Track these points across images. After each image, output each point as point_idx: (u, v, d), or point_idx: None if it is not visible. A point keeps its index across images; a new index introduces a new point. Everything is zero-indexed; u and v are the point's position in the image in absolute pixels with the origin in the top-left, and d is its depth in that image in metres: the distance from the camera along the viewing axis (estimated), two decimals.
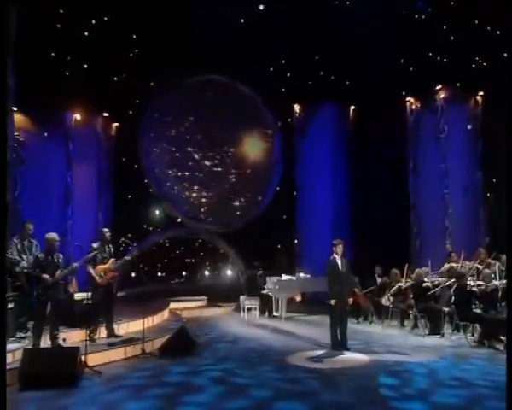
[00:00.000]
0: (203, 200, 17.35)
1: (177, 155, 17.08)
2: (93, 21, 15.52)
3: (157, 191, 16.50)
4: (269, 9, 16.75)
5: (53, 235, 8.13)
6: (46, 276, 7.84)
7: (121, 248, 9.98)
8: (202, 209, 17.28)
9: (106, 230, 9.32)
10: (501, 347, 8.91)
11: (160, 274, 19.55)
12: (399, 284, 11.72)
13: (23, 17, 12.21)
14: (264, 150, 18.28)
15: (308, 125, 17.92)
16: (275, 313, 13.81)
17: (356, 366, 7.80)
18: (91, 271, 8.85)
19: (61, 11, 14.36)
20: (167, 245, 19.93)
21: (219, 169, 17.56)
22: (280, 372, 7.37)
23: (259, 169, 18.09)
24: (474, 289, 9.63)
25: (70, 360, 6.65)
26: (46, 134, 13.73)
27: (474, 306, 9.84)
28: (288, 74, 17.94)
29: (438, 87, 14.77)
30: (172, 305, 14.47)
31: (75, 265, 8.27)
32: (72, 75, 14.66)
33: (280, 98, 17.78)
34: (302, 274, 14.07)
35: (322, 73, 17.53)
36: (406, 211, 15.66)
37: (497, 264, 10.85)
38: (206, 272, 19.92)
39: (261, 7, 16.83)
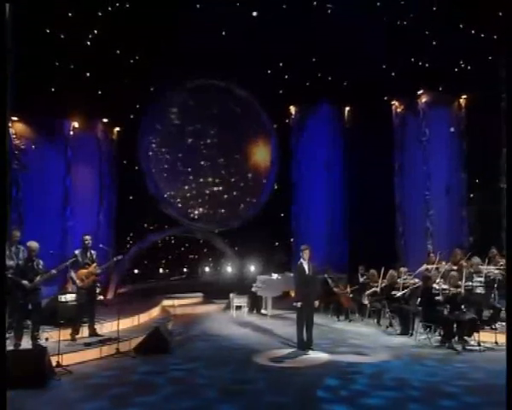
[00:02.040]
0: (201, 200, 17.79)
1: (175, 156, 17.53)
2: (95, 31, 16.13)
3: (156, 192, 16.96)
4: (265, 14, 17.18)
5: (33, 243, 8.67)
6: (25, 282, 8.38)
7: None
8: (200, 209, 17.71)
9: (87, 237, 9.80)
10: (460, 347, 9.17)
11: (161, 271, 20.12)
12: (374, 288, 12.07)
13: (23, 25, 12.82)
14: (261, 151, 18.64)
15: (304, 126, 18.14)
16: (263, 311, 14.19)
17: (312, 366, 8.17)
18: (73, 275, 9.39)
19: (61, 19, 14.89)
20: (172, 242, 20.51)
21: (217, 170, 17.98)
22: (238, 372, 7.79)
23: (257, 169, 18.46)
24: (436, 291, 9.85)
25: (38, 361, 7.12)
26: (33, 147, 14.18)
27: (442, 307, 10.05)
28: (286, 77, 18.31)
29: (420, 91, 14.88)
30: (167, 302, 14.94)
31: (53, 271, 8.78)
32: (72, 83, 15.12)
33: (277, 100, 18.13)
34: (288, 273, 14.40)
35: (318, 75, 17.80)
36: (393, 211, 15.87)
37: (469, 265, 11.11)
38: (207, 269, 20.39)
39: (254, 13, 17.29)
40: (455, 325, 9.48)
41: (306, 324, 9.39)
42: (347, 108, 17.88)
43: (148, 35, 15.87)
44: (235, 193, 17.96)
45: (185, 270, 20.66)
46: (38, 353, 7.42)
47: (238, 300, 14.21)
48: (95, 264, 9.63)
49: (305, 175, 17.82)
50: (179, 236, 18.63)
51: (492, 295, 10.38)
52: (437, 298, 9.77)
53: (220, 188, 17.85)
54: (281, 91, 18.45)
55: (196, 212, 17.52)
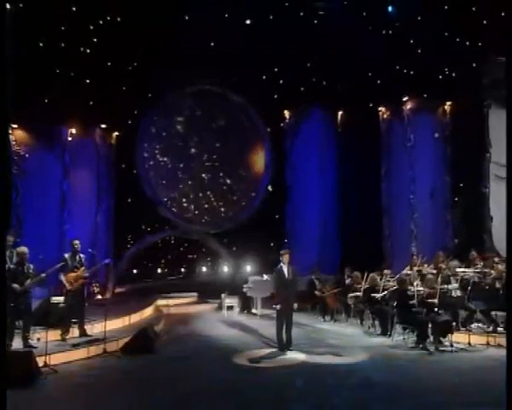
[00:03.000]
0: (197, 203, 18.09)
1: (171, 160, 17.86)
2: (94, 39, 16.41)
3: (153, 196, 17.26)
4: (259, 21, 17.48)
5: (23, 248, 9.01)
6: (16, 285, 8.69)
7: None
8: (196, 212, 18.01)
9: (76, 241, 10.11)
10: (432, 348, 9.35)
11: (160, 270, 20.42)
12: (357, 289, 12.26)
13: (22, 34, 13.15)
14: (256, 154, 18.88)
15: (298, 130, 18.34)
16: (253, 311, 14.44)
17: (286, 366, 8.41)
18: (62, 278, 9.70)
19: (60, 27, 15.17)
20: (172, 242, 20.80)
21: (213, 174, 18.27)
22: (214, 373, 8.00)
23: (252, 173, 18.71)
24: (411, 293, 10.05)
25: (25, 362, 7.41)
26: (28, 155, 14.52)
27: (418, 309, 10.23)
28: (281, 81, 18.52)
29: (405, 98, 15.08)
30: (161, 301, 15.21)
31: (43, 275, 9.08)
32: (71, 90, 15.36)
33: (272, 104, 18.36)
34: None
35: (313, 80, 18.01)
36: (382, 214, 16.11)
37: (447, 268, 11.32)
38: (204, 269, 20.66)
39: (248, 21, 17.54)
40: (429, 327, 9.69)
41: (286, 325, 9.62)
42: (340, 113, 18.04)
43: (145, 40, 16.12)
44: (229, 196, 18.22)
45: (183, 270, 20.97)
46: (25, 353, 7.72)
47: (229, 300, 14.52)
48: (83, 267, 9.92)
49: (299, 178, 18.03)
50: (178, 236, 18.91)
51: (466, 297, 10.54)
52: (411, 301, 9.97)
53: (216, 191, 18.12)
54: (276, 96, 18.69)
55: (191, 215, 17.79)
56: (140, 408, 6.47)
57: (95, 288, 15.43)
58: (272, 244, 19.74)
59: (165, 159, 17.75)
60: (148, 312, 13.52)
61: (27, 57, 13.85)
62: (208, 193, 18.09)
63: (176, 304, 15.60)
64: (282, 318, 9.63)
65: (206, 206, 18.09)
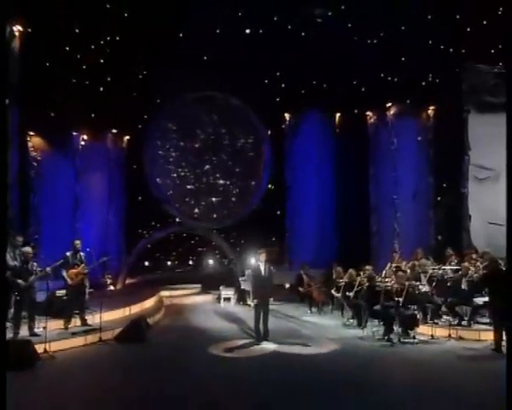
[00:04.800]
0: (200, 201, 18.84)
1: (177, 161, 18.63)
2: (107, 50, 17.22)
3: (159, 195, 18.07)
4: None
5: (27, 249, 9.88)
6: (20, 281, 9.56)
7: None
8: (200, 209, 18.77)
9: (77, 241, 10.97)
10: (396, 339, 9.89)
11: (169, 263, 21.29)
12: (339, 284, 12.80)
13: (38, 47, 14.04)
14: (257, 154, 19.48)
15: (298, 132, 18.89)
16: (248, 302, 15.13)
17: (257, 356, 9.03)
18: (64, 274, 10.57)
19: (74, 40, 16.01)
20: (184, 235, 21.60)
21: (215, 174, 18.98)
22: (188, 362, 8.64)
23: (253, 172, 19.34)
24: (380, 289, 10.59)
25: (25, 349, 8.28)
26: (41, 161, 15.45)
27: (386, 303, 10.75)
28: (283, 85, 19.08)
29: (388, 104, 15.50)
30: (165, 292, 15.98)
31: (48, 269, 9.94)
32: (85, 98, 16.16)
33: (273, 107, 18.93)
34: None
35: (313, 83, 18.52)
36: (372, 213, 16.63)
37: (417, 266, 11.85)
38: (211, 261, 21.42)
39: (248, 31, 18.14)
40: (396, 320, 10.22)
41: (262, 318, 10.27)
42: (337, 116, 18.47)
43: (153, 48, 16.84)
44: (231, 195, 18.92)
45: (191, 262, 21.80)
46: (25, 342, 8.60)
47: (226, 292, 15.25)
48: (83, 264, 10.77)
49: (298, 178, 18.60)
50: (185, 232, 19.71)
51: (434, 292, 11.03)
52: (377, 304, 10.49)
53: (218, 189, 18.82)
54: (277, 99, 19.24)
55: (196, 212, 18.55)
56: (117, 388, 7.16)
57: (107, 279, 16.34)
58: (274, 239, 20.48)
59: (172, 158, 18.49)
60: (150, 303, 14.21)
61: (42, 69, 14.77)
62: (211, 191, 18.77)
63: (179, 295, 16.37)
64: (259, 311, 10.28)
65: (209, 204, 18.78)
